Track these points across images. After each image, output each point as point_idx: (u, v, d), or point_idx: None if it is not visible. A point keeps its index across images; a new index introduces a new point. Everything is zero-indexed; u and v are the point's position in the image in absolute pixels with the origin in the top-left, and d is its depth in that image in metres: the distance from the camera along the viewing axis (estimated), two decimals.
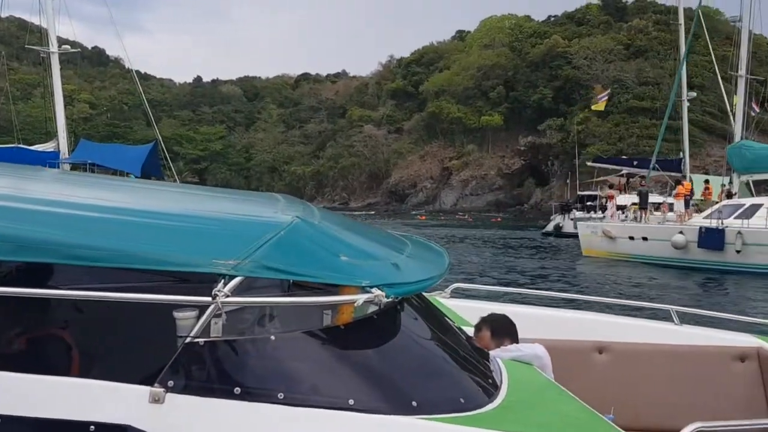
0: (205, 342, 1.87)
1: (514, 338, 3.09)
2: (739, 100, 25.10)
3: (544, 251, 29.63)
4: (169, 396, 1.80)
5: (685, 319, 4.03)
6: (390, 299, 1.95)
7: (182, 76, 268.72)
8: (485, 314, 3.41)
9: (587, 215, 31.85)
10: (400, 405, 1.92)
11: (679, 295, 16.97)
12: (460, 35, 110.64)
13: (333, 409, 1.85)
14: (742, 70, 24.97)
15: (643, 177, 26.91)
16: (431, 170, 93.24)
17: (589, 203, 37.02)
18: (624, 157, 44.51)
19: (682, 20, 26.53)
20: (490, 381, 2.27)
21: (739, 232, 20.20)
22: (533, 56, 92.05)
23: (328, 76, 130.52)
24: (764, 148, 23.77)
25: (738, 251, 20.23)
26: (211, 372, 1.88)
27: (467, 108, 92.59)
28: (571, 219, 34.12)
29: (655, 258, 22.51)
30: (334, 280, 2.01)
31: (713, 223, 21.12)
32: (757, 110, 26.06)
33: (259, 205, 2.74)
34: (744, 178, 23.84)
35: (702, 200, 25.16)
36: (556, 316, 3.97)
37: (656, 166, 26.99)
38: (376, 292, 1.90)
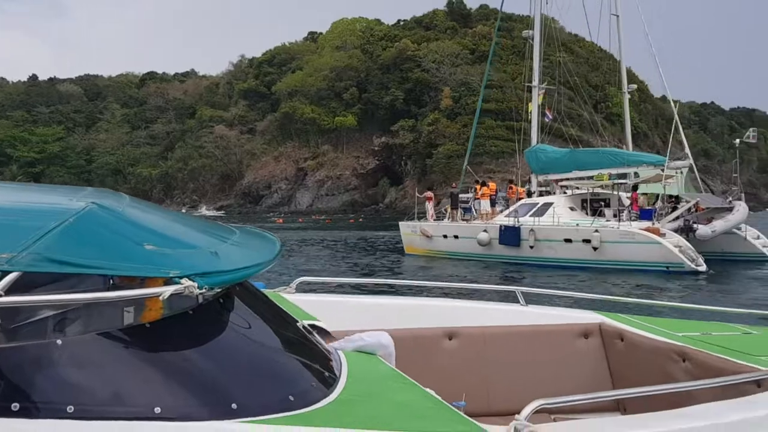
0: None
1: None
2: (534, 108, 27.41)
3: (375, 250, 30.67)
4: None
5: (531, 299, 4.03)
6: (204, 290, 1.74)
7: (16, 74, 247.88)
8: (332, 307, 3.38)
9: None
10: (216, 409, 1.72)
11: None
12: (312, 36, 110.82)
13: (135, 419, 1.63)
14: (536, 81, 27.34)
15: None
16: (286, 171, 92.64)
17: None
18: None
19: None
20: (326, 375, 2.11)
21: (532, 230, 22.05)
22: (384, 59, 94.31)
23: (176, 75, 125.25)
24: (555, 152, 26.17)
25: (531, 247, 22.08)
26: None
27: (321, 109, 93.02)
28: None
29: (465, 254, 24.05)
30: (134, 272, 1.76)
31: (511, 222, 23.03)
32: (551, 117, 28.60)
33: (53, 195, 2.40)
34: (541, 178, 26.13)
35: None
36: (404, 304, 3.86)
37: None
38: (186, 282, 1.70)
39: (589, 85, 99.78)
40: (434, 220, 26.83)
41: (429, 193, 28.52)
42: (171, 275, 1.73)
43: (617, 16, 34.03)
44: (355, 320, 3.30)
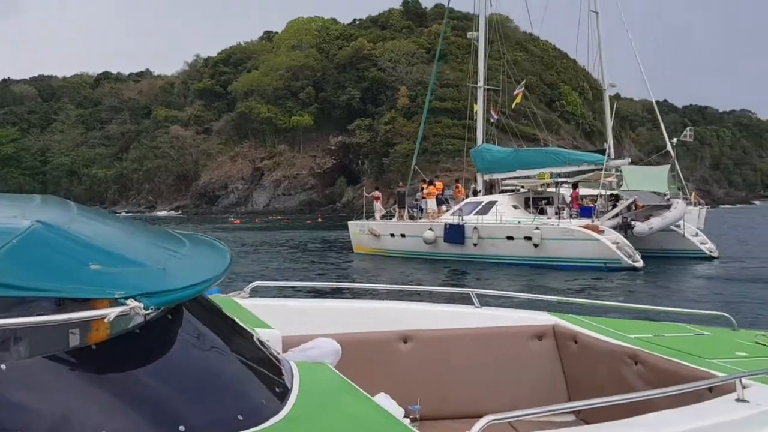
0: None
1: None
2: (479, 108, 27.61)
3: (326, 249, 30.67)
4: None
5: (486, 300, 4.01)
6: (150, 311, 1.70)
7: None
8: (286, 312, 3.32)
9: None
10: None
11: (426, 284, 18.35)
12: (268, 36, 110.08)
13: None
14: (480, 82, 27.56)
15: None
16: (242, 171, 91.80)
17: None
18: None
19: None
20: (277, 390, 2.05)
21: (476, 227, 22.33)
22: (340, 58, 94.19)
23: (130, 75, 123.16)
24: (500, 151, 26.47)
25: (475, 244, 22.35)
26: None
27: (277, 108, 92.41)
28: None
29: (412, 252, 24.18)
30: (79, 294, 1.70)
31: (455, 220, 23.23)
32: (496, 117, 28.87)
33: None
34: (486, 177, 26.39)
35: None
36: (358, 308, 3.79)
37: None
38: (132, 303, 1.66)
39: (544, 84, 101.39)
40: (382, 218, 26.90)
41: (377, 193, 28.68)
42: (116, 296, 1.68)
43: (597, 12, 34.33)
44: (310, 324, 3.28)
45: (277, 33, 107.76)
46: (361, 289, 5.28)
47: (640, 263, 19.35)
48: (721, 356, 3.08)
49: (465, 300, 4.03)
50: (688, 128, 28.66)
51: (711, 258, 21.80)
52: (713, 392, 2.56)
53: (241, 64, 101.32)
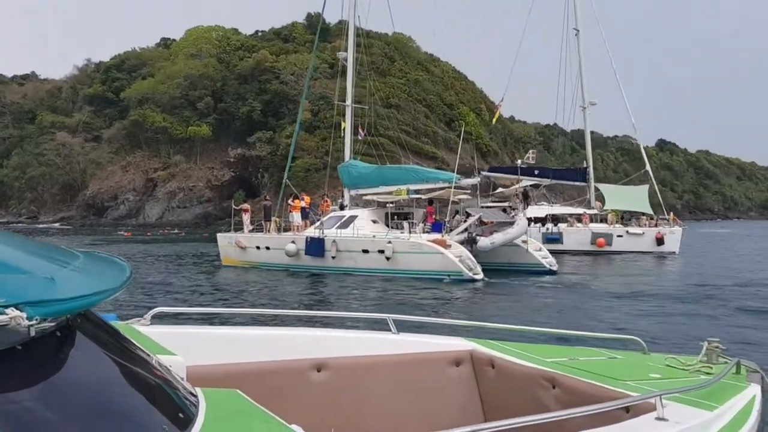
0: None
1: None
2: (347, 125, 28.57)
3: (203, 262, 30.42)
4: None
5: (403, 327, 3.91)
6: (34, 322, 1.49)
7: None
8: (191, 340, 3.13)
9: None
10: None
11: (290, 296, 18.71)
12: (165, 42, 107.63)
13: None
14: (349, 101, 28.52)
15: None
16: (134, 181, 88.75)
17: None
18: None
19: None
20: (180, 416, 1.87)
21: (334, 241, 23.04)
22: (242, 69, 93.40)
23: (14, 77, 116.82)
24: (366, 168, 27.45)
25: (334, 257, 23.08)
26: None
27: (173, 117, 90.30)
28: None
29: (275, 264, 24.56)
30: None
31: (316, 233, 23.89)
32: (363, 134, 29.90)
33: None
34: (353, 192, 27.27)
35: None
36: (269, 335, 3.54)
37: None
38: (13, 313, 1.45)
39: (444, 104, 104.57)
40: (251, 232, 27.14)
41: (245, 206, 28.94)
42: None
43: (577, 30, 35.46)
44: (217, 353, 3.13)
45: (175, 40, 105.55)
46: (271, 315, 5.21)
47: (480, 276, 20.62)
48: (636, 378, 3.11)
49: (382, 326, 3.93)
50: (530, 151, 30.68)
51: (551, 271, 23.48)
52: (632, 412, 2.59)
53: (135, 71, 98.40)
